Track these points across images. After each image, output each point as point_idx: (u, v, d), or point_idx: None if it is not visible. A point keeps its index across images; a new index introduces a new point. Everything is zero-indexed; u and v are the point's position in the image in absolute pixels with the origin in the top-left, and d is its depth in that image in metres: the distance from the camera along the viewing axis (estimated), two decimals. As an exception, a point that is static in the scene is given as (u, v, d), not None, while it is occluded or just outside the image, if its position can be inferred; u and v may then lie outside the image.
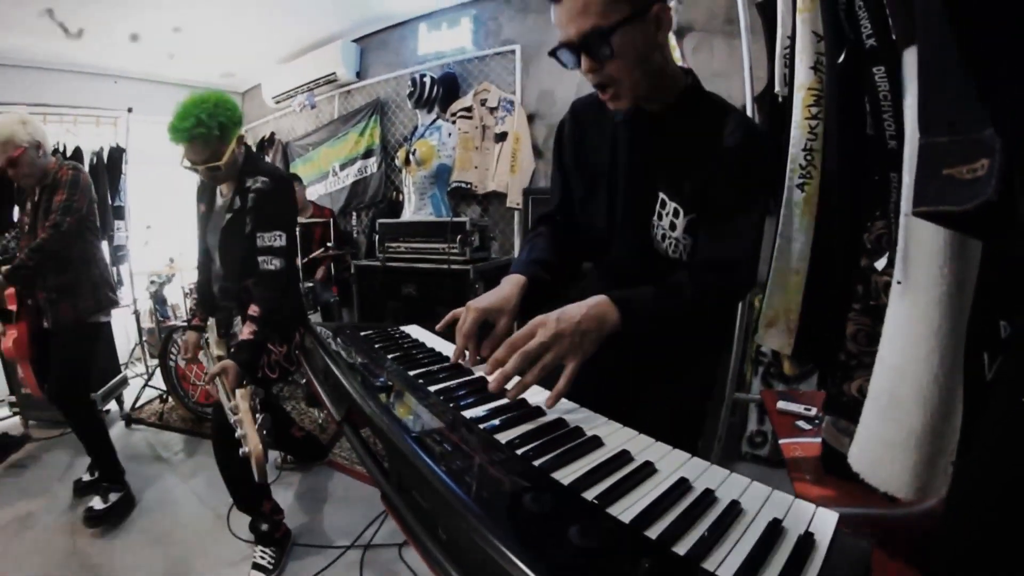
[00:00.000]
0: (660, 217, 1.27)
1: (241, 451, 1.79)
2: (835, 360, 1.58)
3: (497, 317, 1.23)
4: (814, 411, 2.09)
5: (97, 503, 2.86)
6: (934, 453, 1.02)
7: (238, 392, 1.94)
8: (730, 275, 1.19)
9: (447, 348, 1.29)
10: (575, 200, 1.48)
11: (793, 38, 1.91)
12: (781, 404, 2.19)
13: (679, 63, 3.52)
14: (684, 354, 1.37)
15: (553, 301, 1.20)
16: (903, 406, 1.04)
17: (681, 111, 1.27)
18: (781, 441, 1.96)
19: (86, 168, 5.08)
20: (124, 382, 4.54)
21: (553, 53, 1.18)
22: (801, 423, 2.07)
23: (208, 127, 2.19)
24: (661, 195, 1.27)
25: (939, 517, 0.98)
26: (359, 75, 5.57)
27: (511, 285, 1.29)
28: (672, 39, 3.62)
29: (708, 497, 0.70)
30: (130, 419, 4.21)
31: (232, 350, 2.21)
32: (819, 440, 1.79)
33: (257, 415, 1.85)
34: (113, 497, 2.92)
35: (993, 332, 0.95)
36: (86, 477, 3.14)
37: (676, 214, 1.25)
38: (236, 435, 1.83)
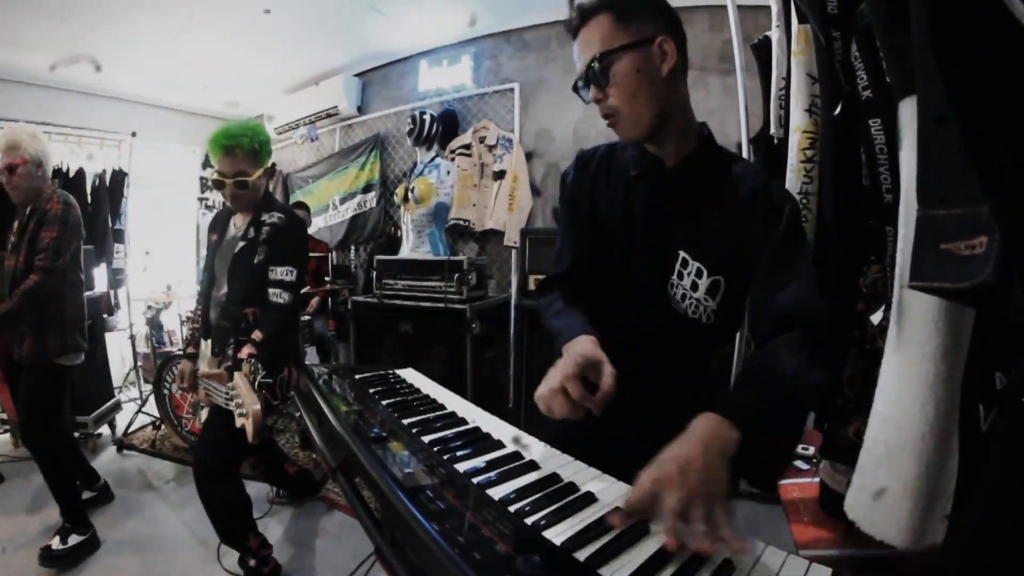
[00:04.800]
0: (681, 276, 1.22)
1: (237, 415, 1.80)
2: (832, 404, 1.58)
3: (594, 369, 1.05)
4: (812, 451, 2.08)
5: (56, 543, 2.71)
6: (929, 504, 1.02)
7: (236, 375, 2.00)
8: (811, 324, 1.05)
9: (443, 395, 1.29)
10: (585, 256, 1.38)
11: (788, 79, 1.93)
12: (778, 444, 2.18)
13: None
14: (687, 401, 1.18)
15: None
16: (898, 457, 1.04)
17: (698, 164, 1.25)
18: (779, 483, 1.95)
19: (88, 189, 5.14)
20: (117, 406, 4.51)
21: (575, 88, 1.23)
22: (799, 463, 2.06)
23: (250, 139, 2.31)
24: (682, 254, 1.21)
25: (935, 559, 0.98)
26: (360, 109, 5.63)
27: (587, 342, 1.13)
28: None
29: (701, 556, 0.70)
30: (122, 444, 4.16)
31: (227, 366, 2.23)
32: (816, 480, 1.79)
33: (255, 380, 1.90)
34: (73, 540, 2.76)
35: (988, 384, 0.95)
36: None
37: (699, 274, 1.20)
38: (233, 407, 1.90)
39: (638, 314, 1.28)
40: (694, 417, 1.01)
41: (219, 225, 2.61)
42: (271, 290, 2.34)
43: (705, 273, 1.19)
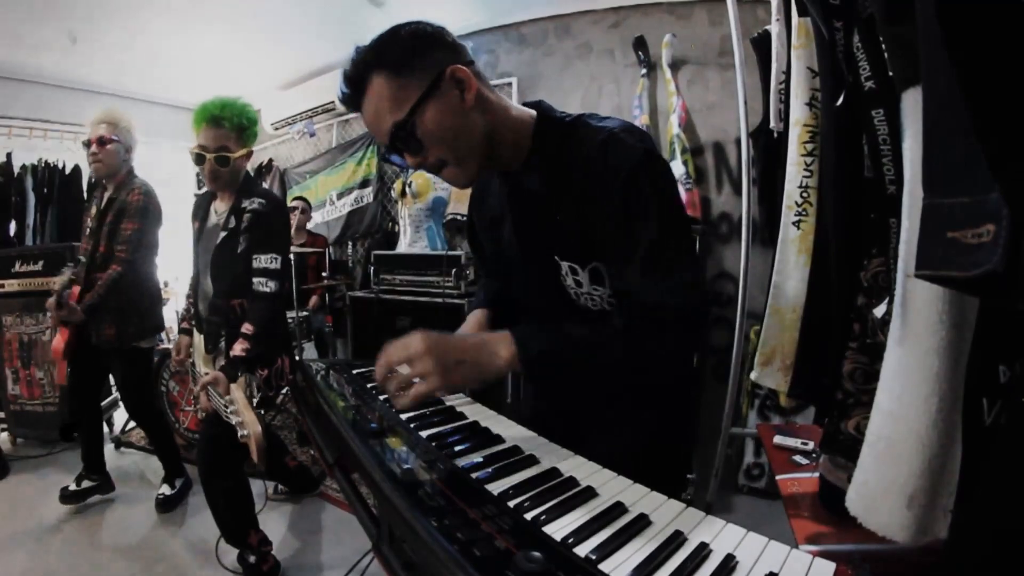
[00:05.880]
0: (564, 278, 1.18)
1: (240, 435, 1.79)
2: (832, 398, 1.57)
3: None
4: (811, 445, 2.07)
5: (166, 489, 3.22)
6: (932, 498, 1.01)
7: (232, 387, 1.96)
8: (654, 312, 1.02)
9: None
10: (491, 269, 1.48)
11: (788, 73, 1.93)
12: (778, 439, 2.18)
13: (675, 95, 3.55)
14: (641, 391, 1.25)
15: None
16: (900, 451, 1.03)
17: (536, 162, 1.16)
18: (778, 477, 1.94)
19: (84, 186, 5.13)
20: (115, 404, 4.49)
21: (385, 158, 1.14)
22: (798, 458, 2.05)
23: (236, 114, 2.27)
24: (555, 257, 1.17)
25: (938, 556, 0.97)
26: (359, 104, 5.57)
27: (478, 318, 1.39)
28: (667, 72, 3.66)
29: (703, 551, 0.69)
30: (120, 442, 4.15)
31: (223, 365, 2.20)
32: (816, 475, 1.78)
33: (254, 399, 1.87)
34: (178, 483, 3.28)
35: (992, 377, 0.94)
36: (72, 486, 3.14)
37: (574, 271, 1.16)
38: (235, 424, 1.87)
39: (552, 315, 1.25)
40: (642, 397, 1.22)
41: (200, 211, 2.57)
42: (256, 279, 2.30)
43: (579, 268, 1.15)
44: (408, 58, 1.04)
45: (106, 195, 2.93)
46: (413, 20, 1.11)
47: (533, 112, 1.19)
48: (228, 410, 1.95)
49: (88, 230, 2.95)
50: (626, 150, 1.04)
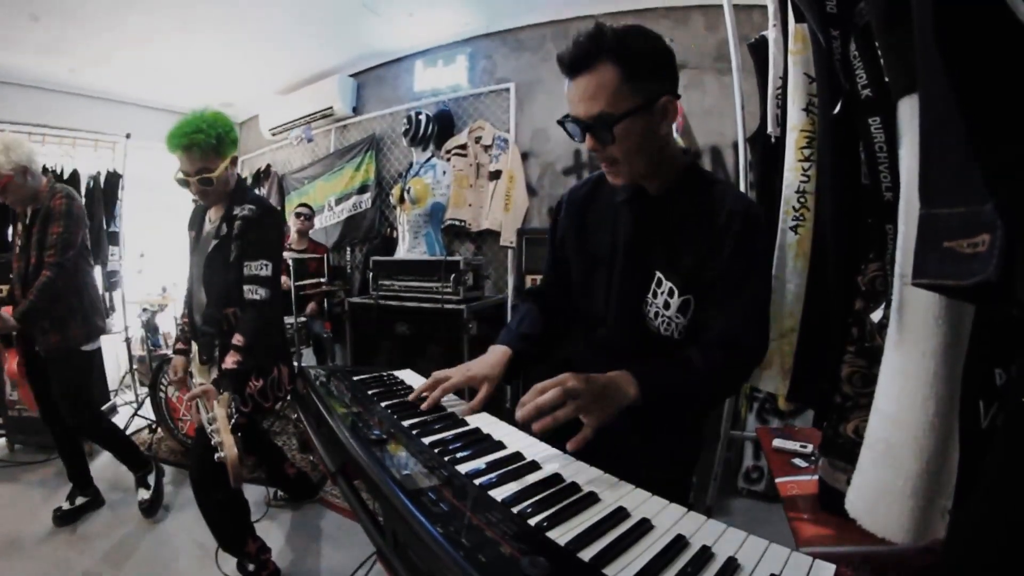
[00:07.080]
0: (655, 295, 1.30)
1: (216, 456, 1.77)
2: (830, 402, 1.58)
3: (480, 383, 1.31)
4: (810, 448, 2.08)
5: (142, 494, 3.17)
6: (930, 500, 1.02)
7: (215, 403, 1.93)
8: (738, 351, 1.22)
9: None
10: (573, 283, 1.51)
11: (785, 79, 1.93)
12: (777, 442, 2.18)
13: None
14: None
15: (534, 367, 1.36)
16: (899, 454, 1.04)
17: (679, 191, 1.30)
18: (777, 480, 1.95)
19: (83, 191, 5.12)
20: (113, 410, 4.49)
21: (562, 123, 1.23)
22: (797, 461, 2.05)
23: (207, 134, 2.20)
24: (658, 274, 1.29)
25: (937, 556, 0.98)
26: (355, 110, 5.61)
27: (498, 356, 1.38)
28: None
29: (705, 554, 0.70)
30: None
31: (214, 378, 2.18)
32: (816, 478, 1.78)
33: (232, 419, 1.86)
34: (151, 480, 3.23)
35: (988, 380, 0.95)
36: (66, 506, 3.09)
37: (671, 293, 1.27)
38: (213, 443, 1.83)
39: (617, 331, 1.39)
40: (664, 426, 1.28)
41: (196, 221, 2.54)
42: (246, 287, 2.27)
43: (676, 292, 1.26)
44: (643, 69, 1.15)
45: (30, 209, 2.88)
46: (659, 35, 1.20)
47: (681, 154, 1.36)
48: (210, 427, 1.92)
49: (18, 248, 2.90)
50: (761, 224, 1.26)
